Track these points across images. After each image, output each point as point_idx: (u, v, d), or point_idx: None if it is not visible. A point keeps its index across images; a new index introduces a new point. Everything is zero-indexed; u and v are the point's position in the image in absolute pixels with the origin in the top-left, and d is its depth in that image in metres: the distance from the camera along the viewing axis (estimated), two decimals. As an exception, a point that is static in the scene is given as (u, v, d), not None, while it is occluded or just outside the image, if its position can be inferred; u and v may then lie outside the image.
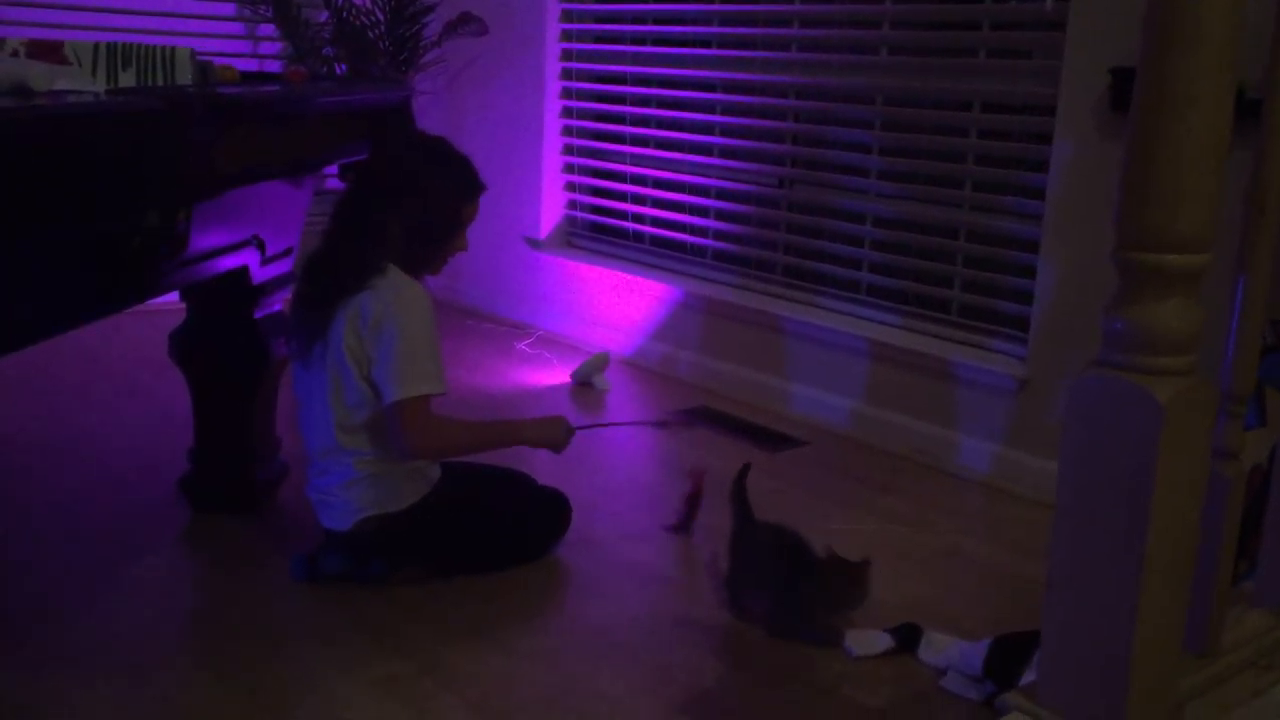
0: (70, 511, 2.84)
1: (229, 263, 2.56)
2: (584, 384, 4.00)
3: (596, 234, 4.68)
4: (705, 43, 4.14)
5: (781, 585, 2.37)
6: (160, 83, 2.43)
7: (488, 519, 2.62)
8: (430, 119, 3.15)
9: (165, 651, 2.25)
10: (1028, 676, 2.00)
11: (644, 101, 4.37)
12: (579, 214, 4.73)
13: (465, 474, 2.68)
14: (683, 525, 2.83)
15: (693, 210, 4.24)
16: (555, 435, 2.63)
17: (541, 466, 2.94)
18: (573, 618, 2.48)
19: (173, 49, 2.48)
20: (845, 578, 2.33)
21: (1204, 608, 1.58)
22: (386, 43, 4.67)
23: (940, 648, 2.27)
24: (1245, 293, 1.55)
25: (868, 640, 2.32)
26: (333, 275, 2.43)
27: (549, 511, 2.72)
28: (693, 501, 2.83)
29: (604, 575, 2.63)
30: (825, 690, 2.18)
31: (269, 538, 2.74)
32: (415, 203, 2.46)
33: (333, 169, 3.16)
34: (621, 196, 4.52)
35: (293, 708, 2.07)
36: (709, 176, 4.16)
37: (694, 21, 4.16)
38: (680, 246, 4.32)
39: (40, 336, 1.89)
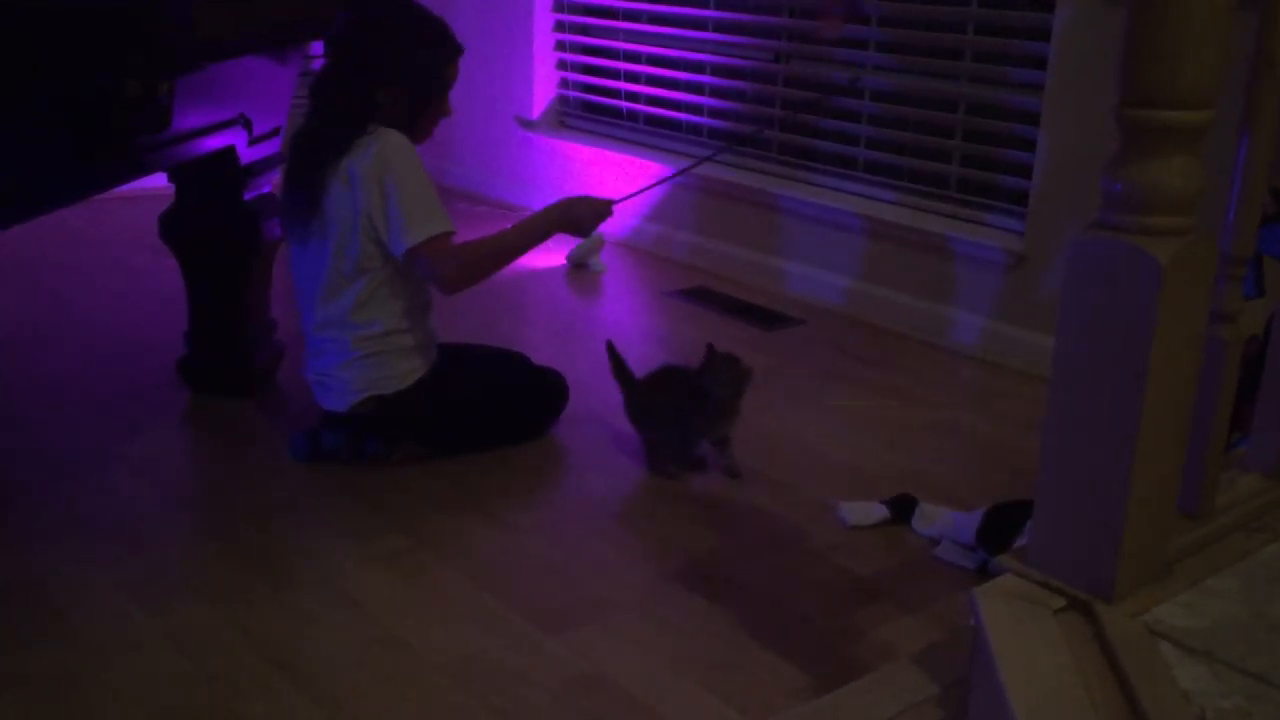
0: (69, 393, 2.84)
1: (215, 142, 2.52)
2: (579, 266, 3.98)
3: (590, 113, 4.60)
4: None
5: (672, 414, 2.51)
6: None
7: (484, 399, 2.62)
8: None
9: (166, 525, 2.27)
10: (1020, 544, 2.03)
11: (636, -25, 4.26)
12: (572, 93, 4.64)
13: (461, 354, 2.68)
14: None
15: (688, 87, 4.16)
16: (582, 212, 2.52)
17: (538, 346, 2.94)
18: (570, 492, 2.50)
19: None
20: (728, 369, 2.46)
21: (1198, 470, 1.59)
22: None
23: (934, 519, 2.30)
24: (1249, 150, 1.52)
25: (862, 511, 2.34)
26: (320, 150, 2.40)
27: (545, 391, 2.72)
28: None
29: (600, 450, 2.65)
30: (819, 559, 2.21)
31: (268, 417, 2.75)
32: (397, 70, 2.42)
33: (318, 48, 3.08)
34: (615, 74, 4.43)
35: (295, 580, 2.10)
36: (704, 52, 4.07)
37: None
38: (675, 125, 4.25)
39: (33, 211, 1.86)
